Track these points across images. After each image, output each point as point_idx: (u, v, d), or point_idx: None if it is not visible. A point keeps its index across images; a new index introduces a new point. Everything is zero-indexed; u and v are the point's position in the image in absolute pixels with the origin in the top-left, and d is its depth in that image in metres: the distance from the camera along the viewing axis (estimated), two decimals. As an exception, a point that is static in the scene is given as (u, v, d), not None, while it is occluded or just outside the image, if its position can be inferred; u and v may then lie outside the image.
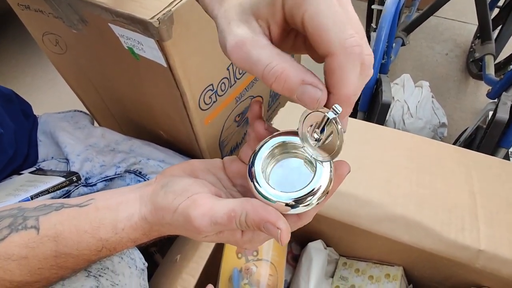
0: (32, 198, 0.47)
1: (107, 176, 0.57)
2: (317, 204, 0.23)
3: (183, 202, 0.24)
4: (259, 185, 0.24)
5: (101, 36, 0.52)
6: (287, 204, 0.23)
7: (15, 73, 1.38)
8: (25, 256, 0.27)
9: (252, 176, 0.24)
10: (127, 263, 0.39)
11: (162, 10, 0.41)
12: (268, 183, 0.24)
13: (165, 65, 0.47)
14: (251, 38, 0.21)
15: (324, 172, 0.24)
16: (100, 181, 0.57)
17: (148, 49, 0.46)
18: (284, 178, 0.25)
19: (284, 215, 0.23)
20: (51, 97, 1.27)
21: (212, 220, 0.23)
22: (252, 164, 0.25)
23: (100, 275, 0.35)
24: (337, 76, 0.20)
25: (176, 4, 0.42)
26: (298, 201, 0.23)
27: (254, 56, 0.20)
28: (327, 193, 0.24)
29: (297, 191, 0.23)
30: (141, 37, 0.45)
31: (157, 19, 0.40)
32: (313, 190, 0.23)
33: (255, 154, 0.25)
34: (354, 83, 0.20)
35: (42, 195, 0.49)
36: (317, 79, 0.20)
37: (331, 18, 0.19)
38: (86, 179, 0.57)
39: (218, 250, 0.48)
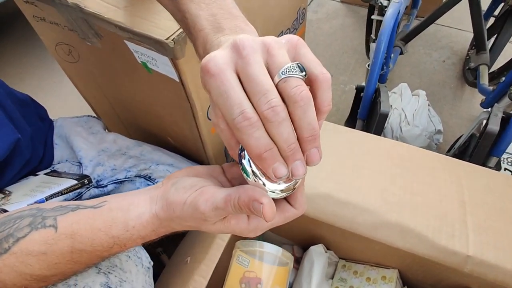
0: (46, 199, 0.50)
1: (118, 179, 0.60)
2: (282, 195, 0.27)
3: (191, 194, 0.28)
4: (243, 164, 0.27)
5: (114, 49, 0.54)
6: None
7: (21, 75, 1.39)
8: (44, 252, 0.30)
9: (240, 157, 0.27)
10: (134, 262, 0.42)
11: (176, 31, 0.44)
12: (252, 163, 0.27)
13: (177, 79, 0.50)
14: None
15: None
16: (111, 183, 0.60)
17: (161, 65, 0.49)
18: None
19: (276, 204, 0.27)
20: (57, 99, 1.28)
21: (213, 205, 0.26)
22: (242, 150, 0.28)
23: (109, 272, 0.38)
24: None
25: (189, 24, 0.45)
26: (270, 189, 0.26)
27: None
28: (293, 189, 0.28)
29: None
30: (156, 54, 0.47)
31: (172, 39, 0.43)
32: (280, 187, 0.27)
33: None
34: None
35: (55, 196, 0.52)
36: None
37: None
38: (97, 181, 0.60)
39: (227, 253, 0.51)
